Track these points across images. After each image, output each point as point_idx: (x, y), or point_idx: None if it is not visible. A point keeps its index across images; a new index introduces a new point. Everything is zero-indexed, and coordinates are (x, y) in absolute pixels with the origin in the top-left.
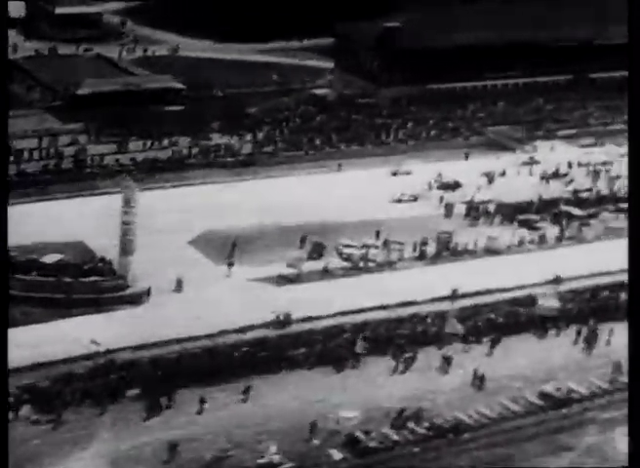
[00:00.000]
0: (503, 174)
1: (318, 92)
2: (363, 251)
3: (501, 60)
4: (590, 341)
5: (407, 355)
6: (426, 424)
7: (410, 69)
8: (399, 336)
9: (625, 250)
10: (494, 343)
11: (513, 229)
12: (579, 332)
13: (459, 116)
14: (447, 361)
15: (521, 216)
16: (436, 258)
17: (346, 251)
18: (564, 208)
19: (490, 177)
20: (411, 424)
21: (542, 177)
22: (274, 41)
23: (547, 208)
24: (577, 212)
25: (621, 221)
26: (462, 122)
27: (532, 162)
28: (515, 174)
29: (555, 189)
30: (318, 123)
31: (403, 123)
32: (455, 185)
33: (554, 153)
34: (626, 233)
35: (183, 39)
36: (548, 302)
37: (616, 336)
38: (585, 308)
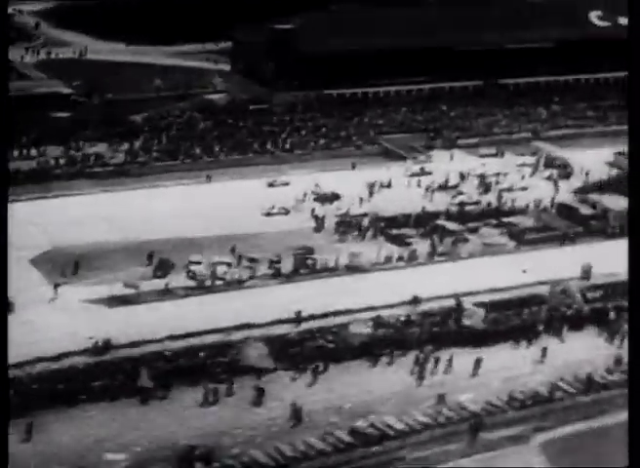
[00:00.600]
0: (389, 185)
1: (214, 97)
2: (212, 268)
3: (406, 65)
4: (423, 370)
5: (221, 385)
6: (216, 464)
7: (307, 74)
8: (217, 364)
9: (502, 267)
10: (316, 372)
11: (384, 245)
12: (417, 360)
13: (355, 123)
14: (260, 392)
15: (393, 231)
16: (292, 277)
17: (194, 268)
18: (439, 222)
19: (371, 189)
20: (199, 465)
21: (427, 189)
22: (188, 44)
23: (425, 222)
24: (452, 226)
25: (502, 237)
26: (358, 130)
27: (422, 173)
28: (403, 185)
29: (441, 202)
30: (201, 130)
31: (294, 130)
32: (332, 197)
33: (450, 163)
34: (508, 249)
35: (95, 41)
36: (359, 328)
37: (456, 364)
38: (427, 332)
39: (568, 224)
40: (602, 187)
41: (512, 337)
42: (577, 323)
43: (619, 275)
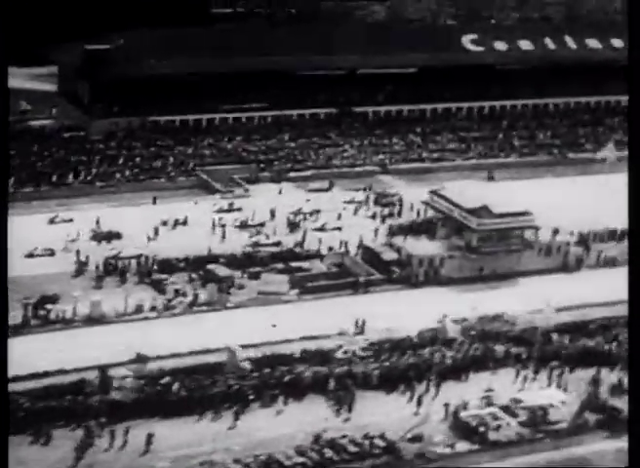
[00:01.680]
0: (185, 222)
1: (34, 123)
2: None
3: (245, 91)
4: (88, 447)
5: None
6: None
7: (130, 99)
8: None
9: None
10: None
11: (141, 292)
12: (87, 434)
13: (176, 153)
14: None
15: (160, 276)
16: (18, 329)
17: None
18: (210, 267)
19: (158, 228)
20: None
21: (223, 227)
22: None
23: (203, 265)
24: (223, 272)
25: (281, 285)
26: (177, 160)
27: (230, 209)
28: (204, 222)
29: (235, 242)
30: None
31: (105, 160)
32: (111, 236)
33: (272, 198)
34: (288, 298)
35: None
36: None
37: (132, 438)
38: (106, 401)
39: (368, 271)
40: (412, 229)
41: (207, 408)
42: (295, 391)
43: (395, 331)
